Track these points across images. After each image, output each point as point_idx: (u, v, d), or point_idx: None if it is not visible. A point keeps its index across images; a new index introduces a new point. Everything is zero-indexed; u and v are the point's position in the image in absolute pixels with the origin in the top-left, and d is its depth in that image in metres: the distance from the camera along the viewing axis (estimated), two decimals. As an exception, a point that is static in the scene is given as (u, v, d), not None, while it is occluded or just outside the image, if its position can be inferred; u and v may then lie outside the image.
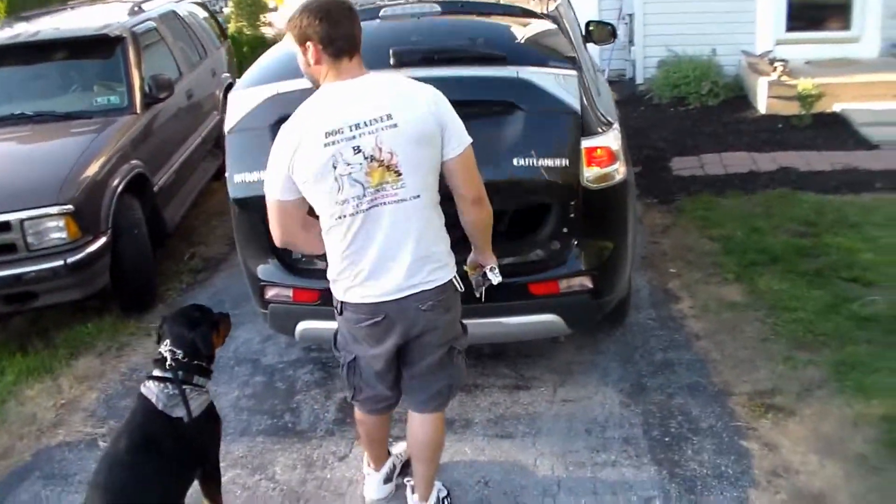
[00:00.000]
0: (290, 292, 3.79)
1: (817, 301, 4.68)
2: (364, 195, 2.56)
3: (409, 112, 2.55)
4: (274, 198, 2.64)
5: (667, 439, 3.57)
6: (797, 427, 3.59)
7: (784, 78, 8.47)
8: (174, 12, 6.72)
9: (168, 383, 2.84)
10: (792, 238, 5.62)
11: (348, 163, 2.52)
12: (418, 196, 2.61)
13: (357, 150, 2.52)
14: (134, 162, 4.98)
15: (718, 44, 9.35)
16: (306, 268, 3.79)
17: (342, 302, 2.78)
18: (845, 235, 5.57)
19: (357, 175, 2.54)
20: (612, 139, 3.64)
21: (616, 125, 3.77)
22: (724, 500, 3.16)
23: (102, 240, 4.58)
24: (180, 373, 2.85)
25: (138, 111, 5.28)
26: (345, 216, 2.59)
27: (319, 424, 3.89)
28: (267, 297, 3.84)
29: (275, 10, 15.37)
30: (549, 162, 3.43)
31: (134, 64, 5.38)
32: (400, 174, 2.56)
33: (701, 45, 9.32)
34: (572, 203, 3.60)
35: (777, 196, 6.42)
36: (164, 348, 2.88)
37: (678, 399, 3.88)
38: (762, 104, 8.64)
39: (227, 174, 3.68)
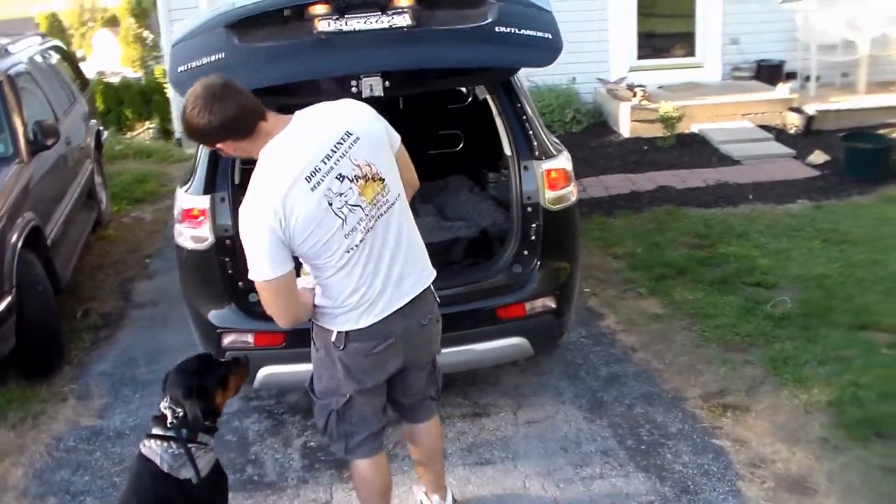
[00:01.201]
0: (250, 337, 3.69)
1: (732, 306, 5.09)
2: (365, 215, 2.57)
3: (361, 123, 2.60)
4: (268, 277, 2.48)
5: (643, 447, 3.76)
6: (756, 421, 3.89)
7: (644, 102, 9.14)
8: (42, 54, 6.34)
9: (172, 442, 2.69)
10: (690, 250, 6.08)
11: (340, 193, 2.50)
12: (399, 195, 2.67)
13: (341, 177, 2.51)
14: (27, 215, 4.65)
15: (576, 72, 9.92)
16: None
17: (348, 333, 2.68)
18: (737, 244, 6.09)
19: (353, 200, 2.53)
20: (566, 161, 3.84)
21: (564, 149, 3.98)
22: (718, 494, 3.38)
23: (7, 300, 4.24)
24: (184, 431, 2.70)
25: (25, 159, 4.93)
26: (356, 246, 2.58)
27: (288, 473, 3.77)
28: (224, 344, 3.70)
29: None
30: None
31: (14, 109, 5.03)
32: (383, 180, 2.61)
33: (560, 75, 9.84)
34: (534, 226, 3.76)
35: (664, 213, 6.91)
36: (164, 405, 2.73)
37: (638, 409, 4.09)
38: (625, 128, 9.26)
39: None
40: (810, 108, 8.95)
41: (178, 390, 2.74)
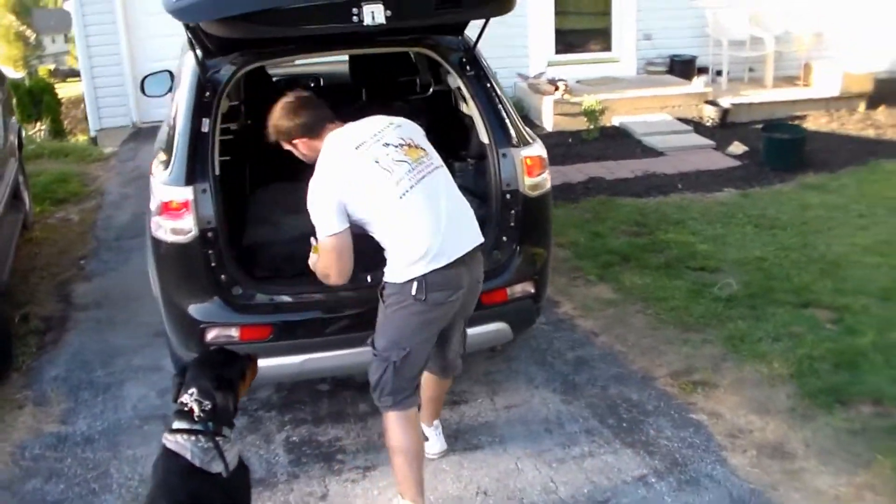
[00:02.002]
0: (235, 331, 3.65)
1: (680, 290, 5.36)
2: (412, 169, 3.09)
3: (402, 120, 3.31)
4: (332, 232, 3.07)
5: (624, 425, 3.94)
6: (726, 396, 4.13)
7: (566, 96, 9.41)
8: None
9: (200, 436, 2.66)
10: (630, 238, 6.34)
11: (385, 153, 3.09)
12: (441, 166, 3.23)
13: (386, 144, 3.12)
14: (-33, 215, 4.45)
15: (496, 67, 10.06)
16: (253, 303, 3.68)
17: (426, 279, 3.02)
18: (674, 231, 6.40)
19: (398, 157, 3.09)
20: (541, 148, 3.98)
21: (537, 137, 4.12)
22: (706, 464, 3.59)
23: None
24: (210, 424, 2.68)
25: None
26: (408, 191, 3.05)
27: (276, 469, 3.75)
28: (208, 338, 3.65)
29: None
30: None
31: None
32: (424, 150, 3.21)
33: (481, 70, 10.04)
34: (513, 212, 3.87)
35: (598, 203, 7.17)
36: (190, 399, 2.70)
37: (612, 389, 4.27)
38: (548, 122, 9.51)
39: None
40: (725, 102, 9.44)
41: (207, 382, 2.72)
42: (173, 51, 9.26)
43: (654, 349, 4.68)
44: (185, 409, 2.71)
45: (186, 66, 3.96)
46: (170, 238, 3.61)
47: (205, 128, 3.65)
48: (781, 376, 4.25)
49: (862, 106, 9.74)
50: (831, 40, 10.35)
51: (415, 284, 3.04)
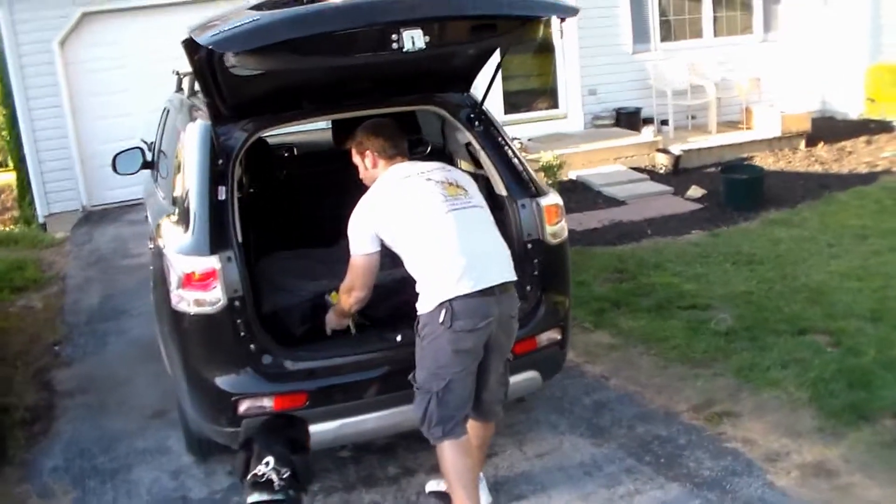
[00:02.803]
0: (269, 401, 3.59)
1: (678, 329, 5.50)
2: (446, 200, 3.36)
3: (454, 168, 3.81)
4: (364, 252, 3.43)
5: (662, 460, 3.99)
6: (752, 423, 4.24)
7: (523, 154, 9.63)
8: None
9: None
10: (615, 284, 6.50)
11: (425, 186, 3.40)
12: (483, 207, 3.51)
13: (429, 179, 3.44)
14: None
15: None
16: (285, 371, 3.64)
17: (452, 306, 3.19)
18: (656, 275, 6.59)
19: (435, 189, 3.39)
20: (558, 197, 4.10)
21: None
22: (755, 489, 3.66)
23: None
24: (291, 492, 2.64)
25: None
26: (441, 217, 3.30)
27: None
28: (241, 411, 3.58)
29: None
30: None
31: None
32: (466, 191, 3.49)
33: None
34: (535, 261, 3.96)
35: (576, 253, 7.24)
36: (267, 468, 2.65)
37: (639, 428, 4.33)
38: (506, 180, 9.69)
39: None
40: (675, 149, 9.84)
41: (283, 448, 2.67)
42: (120, 131, 9.30)
43: (669, 387, 4.77)
44: (262, 479, 2.65)
45: (191, 135, 3.97)
46: (194, 310, 3.56)
47: (221, 195, 3.65)
48: (800, 400, 4.39)
49: (802, 144, 10.29)
50: (767, 84, 10.93)
51: (442, 311, 3.21)
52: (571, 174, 9.65)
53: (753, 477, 3.75)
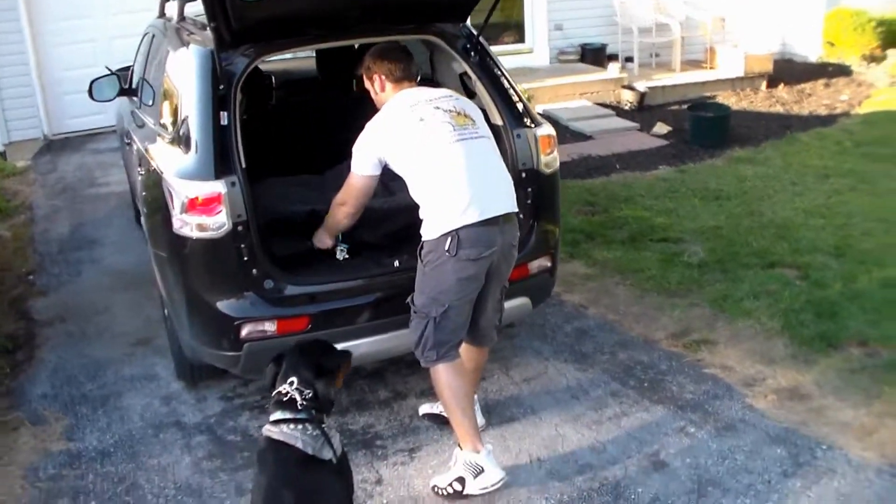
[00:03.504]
0: (274, 325, 3.67)
1: (651, 261, 5.71)
2: (454, 130, 3.41)
3: (462, 97, 3.77)
4: (364, 173, 3.52)
5: (646, 385, 4.21)
6: (729, 350, 4.48)
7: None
8: None
9: (307, 424, 2.70)
10: (588, 217, 6.67)
11: (433, 115, 3.44)
12: (489, 137, 3.58)
13: (437, 108, 3.48)
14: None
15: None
16: (286, 295, 3.71)
17: (458, 234, 3.28)
18: (627, 208, 6.77)
19: (443, 118, 3.44)
20: (551, 128, 4.20)
21: None
22: (735, 411, 3.90)
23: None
24: (314, 412, 2.74)
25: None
26: (448, 146, 3.37)
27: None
28: (243, 334, 3.66)
29: None
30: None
31: None
32: (474, 121, 3.54)
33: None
34: (529, 189, 4.07)
35: (546, 187, 7.45)
36: (291, 388, 2.74)
37: (621, 354, 4.54)
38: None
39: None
40: (640, 86, 9.96)
41: (308, 371, 2.76)
42: (83, 58, 9.05)
43: (646, 315, 4.98)
44: (286, 398, 2.74)
45: (189, 61, 3.95)
46: (196, 234, 3.60)
47: (224, 121, 3.66)
48: (773, 329, 4.63)
49: (764, 84, 10.50)
50: (732, 25, 11.09)
51: (448, 240, 3.29)
52: (538, 108, 9.66)
53: (733, 400, 3.98)
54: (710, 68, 10.79)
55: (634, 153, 8.32)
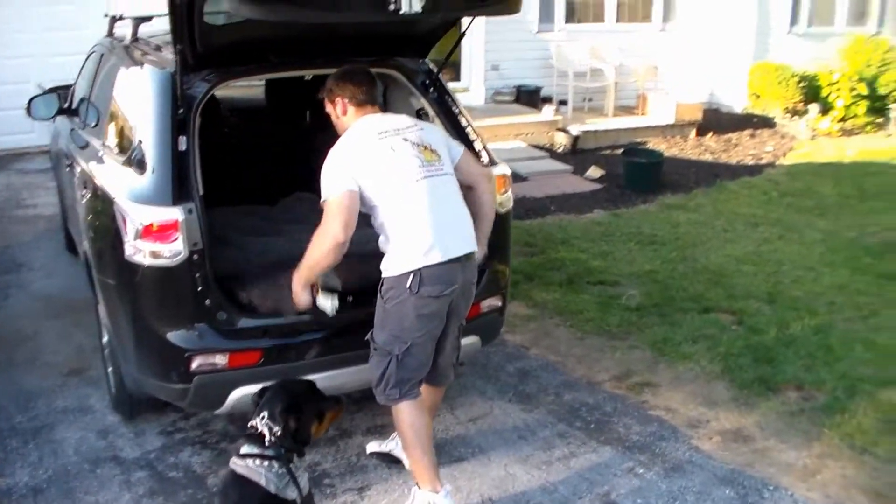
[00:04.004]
0: (225, 358, 3.62)
1: (590, 303, 5.84)
2: (422, 166, 3.38)
3: (427, 125, 3.75)
4: (346, 188, 3.30)
5: (592, 426, 4.28)
6: (671, 393, 4.60)
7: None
8: None
9: (273, 461, 2.68)
10: (527, 258, 6.77)
11: (402, 146, 3.40)
12: (451, 174, 3.52)
13: (405, 140, 3.44)
14: None
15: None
16: (242, 327, 3.67)
17: (421, 273, 3.28)
18: (564, 250, 6.93)
19: (412, 152, 3.40)
20: (507, 168, 4.29)
21: None
22: (682, 452, 4.01)
23: None
24: (282, 450, 2.71)
25: None
26: (415, 182, 3.34)
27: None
28: (193, 367, 3.60)
29: None
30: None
31: None
32: (440, 156, 3.49)
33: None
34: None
35: (484, 226, 7.55)
36: (260, 422, 2.71)
37: (565, 395, 4.61)
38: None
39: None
40: (574, 129, 10.22)
41: (282, 408, 2.73)
42: (9, 74, 8.79)
43: (588, 357, 5.08)
44: (256, 433, 2.72)
45: (146, 82, 3.91)
46: (150, 262, 3.54)
47: (182, 146, 3.63)
48: (713, 372, 4.79)
49: (693, 133, 10.91)
50: (664, 73, 11.50)
51: (410, 277, 3.29)
52: (474, 148, 9.85)
53: (679, 442, 4.09)
54: (642, 114, 11.16)
55: (569, 196, 8.51)
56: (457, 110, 4.29)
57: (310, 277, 3.46)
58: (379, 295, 3.43)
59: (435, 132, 3.68)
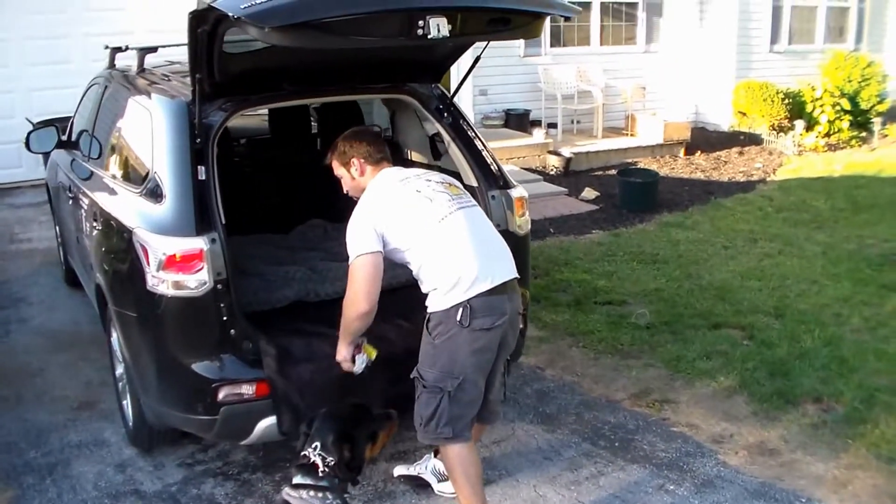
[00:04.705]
0: (252, 388, 3.60)
1: (600, 323, 5.87)
2: (451, 199, 3.38)
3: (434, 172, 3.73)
4: (369, 250, 3.26)
5: (617, 444, 4.29)
6: (692, 409, 4.62)
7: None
8: None
9: (327, 493, 2.66)
10: (532, 280, 6.76)
11: (427, 186, 3.41)
12: (478, 206, 3.56)
13: (428, 180, 3.47)
14: None
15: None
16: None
17: (471, 305, 3.19)
18: (568, 271, 6.96)
19: (439, 189, 3.41)
20: (524, 190, 4.33)
21: None
22: (710, 467, 4.02)
23: None
24: (336, 481, 2.70)
25: None
26: (448, 215, 3.31)
27: (298, 527, 3.71)
28: (220, 398, 3.58)
29: None
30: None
31: None
32: (463, 190, 3.58)
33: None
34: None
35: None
36: (313, 452, 2.70)
37: (586, 415, 4.62)
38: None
39: None
40: (566, 151, 10.31)
41: (330, 435, 2.72)
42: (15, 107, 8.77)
43: (604, 376, 5.10)
44: (308, 462, 2.70)
45: (161, 113, 3.92)
46: (173, 292, 3.53)
47: (202, 175, 3.63)
48: (730, 387, 4.82)
49: (682, 151, 11.06)
50: (651, 93, 11.66)
51: (460, 310, 3.20)
52: (467, 172, 9.91)
53: (706, 457, 4.11)
54: (631, 135, 11.29)
55: (566, 217, 8.57)
56: (472, 134, 4.33)
57: (348, 340, 3.42)
58: (426, 331, 3.33)
59: (447, 176, 3.65)
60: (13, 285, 6.59)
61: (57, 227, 6.39)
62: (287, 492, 2.69)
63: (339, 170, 3.57)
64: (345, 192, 3.62)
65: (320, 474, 2.68)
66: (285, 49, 3.30)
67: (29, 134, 5.49)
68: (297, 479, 2.69)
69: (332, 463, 2.70)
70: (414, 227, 3.30)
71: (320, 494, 2.66)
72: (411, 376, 3.37)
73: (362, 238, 3.27)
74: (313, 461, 2.69)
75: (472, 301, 3.20)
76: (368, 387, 3.59)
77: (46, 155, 6.36)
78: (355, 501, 3.83)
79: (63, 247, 6.22)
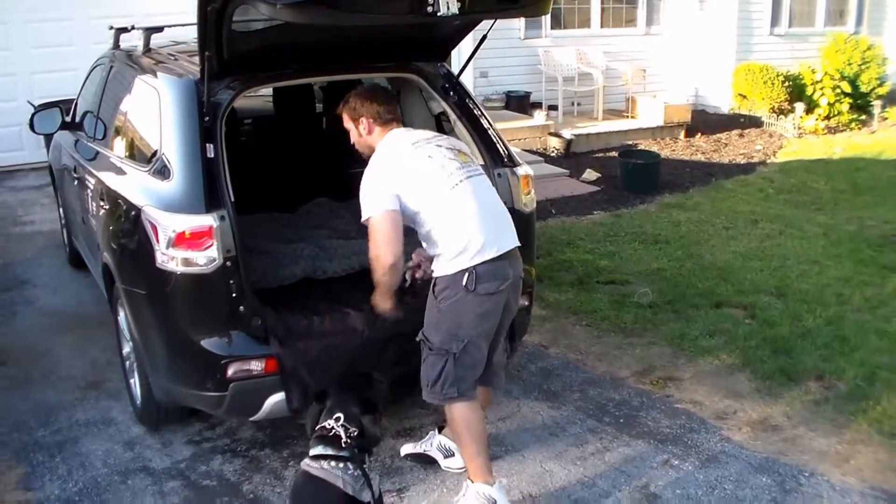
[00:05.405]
0: (260, 364, 3.63)
1: (603, 302, 5.90)
2: (461, 167, 3.46)
3: (445, 136, 3.83)
4: (386, 208, 3.33)
5: (622, 420, 4.33)
6: (695, 386, 4.66)
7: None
8: None
9: (349, 463, 2.69)
10: (535, 260, 6.81)
11: (438, 152, 3.48)
12: (484, 174, 3.64)
13: (439, 146, 3.53)
14: None
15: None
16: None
17: (476, 270, 3.30)
18: (570, 251, 6.98)
19: (449, 155, 3.49)
20: (530, 168, 4.34)
21: None
22: (714, 442, 4.06)
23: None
24: (357, 451, 2.73)
25: None
26: (458, 183, 3.39)
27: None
28: (229, 374, 3.61)
29: None
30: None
31: None
32: (471, 157, 3.68)
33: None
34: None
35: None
36: (336, 424, 2.72)
37: (591, 392, 4.66)
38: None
39: None
40: (567, 133, 10.32)
41: (355, 407, 2.75)
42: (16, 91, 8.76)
43: (607, 354, 5.13)
44: (330, 434, 2.72)
45: (169, 91, 3.92)
46: (182, 269, 3.55)
47: (210, 153, 3.65)
48: (733, 365, 4.86)
49: (682, 133, 11.06)
50: (651, 75, 11.65)
51: (466, 275, 3.31)
52: (468, 154, 9.92)
53: (710, 433, 4.15)
54: (631, 117, 11.29)
55: (568, 198, 8.59)
56: (478, 112, 4.34)
57: (384, 293, 3.50)
58: (432, 295, 3.43)
59: (459, 142, 3.76)
60: (18, 267, 6.62)
61: (61, 209, 6.41)
62: (307, 463, 2.72)
63: (347, 123, 3.65)
64: (351, 143, 3.69)
65: (343, 445, 2.70)
66: (293, 28, 3.32)
67: (33, 115, 5.49)
68: (318, 450, 2.71)
69: (355, 433, 2.73)
70: (426, 193, 3.38)
71: (342, 465, 2.68)
72: (417, 339, 3.47)
73: (378, 197, 3.35)
74: (335, 432, 2.71)
75: (478, 267, 3.31)
76: (376, 362, 3.63)
77: (48, 137, 6.38)
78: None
79: (67, 228, 6.24)
